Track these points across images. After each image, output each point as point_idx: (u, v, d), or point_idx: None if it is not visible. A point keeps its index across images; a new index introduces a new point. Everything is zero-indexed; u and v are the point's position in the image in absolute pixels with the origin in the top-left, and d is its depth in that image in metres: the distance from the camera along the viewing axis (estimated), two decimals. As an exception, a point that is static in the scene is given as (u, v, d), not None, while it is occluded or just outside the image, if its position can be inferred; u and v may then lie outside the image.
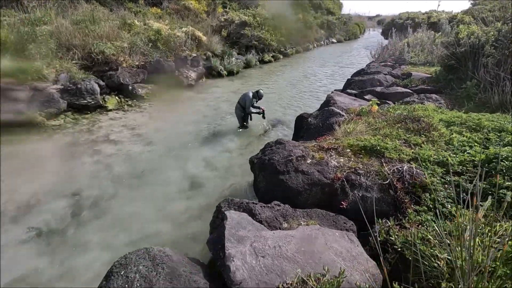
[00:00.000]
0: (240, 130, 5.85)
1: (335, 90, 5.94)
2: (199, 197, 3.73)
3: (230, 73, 10.68)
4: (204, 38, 10.38)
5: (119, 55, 7.36)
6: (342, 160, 2.62)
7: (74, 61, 6.73)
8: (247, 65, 12.20)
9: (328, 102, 4.41)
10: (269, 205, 2.08)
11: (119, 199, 3.69)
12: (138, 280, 1.21)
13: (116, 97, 7.04)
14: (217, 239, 1.59)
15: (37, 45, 6.49)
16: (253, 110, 5.68)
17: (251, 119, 5.95)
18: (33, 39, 6.54)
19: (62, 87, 6.10)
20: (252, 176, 3.06)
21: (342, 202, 2.31)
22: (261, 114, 5.71)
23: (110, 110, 6.64)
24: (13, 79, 5.47)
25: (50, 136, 5.32)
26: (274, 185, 2.43)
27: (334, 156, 2.68)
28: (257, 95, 5.61)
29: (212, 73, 10.20)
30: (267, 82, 10.06)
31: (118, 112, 6.64)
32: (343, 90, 5.81)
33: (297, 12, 18.25)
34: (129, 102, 7.16)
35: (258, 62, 13.06)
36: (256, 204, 2.04)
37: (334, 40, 24.90)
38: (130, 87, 7.29)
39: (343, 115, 3.59)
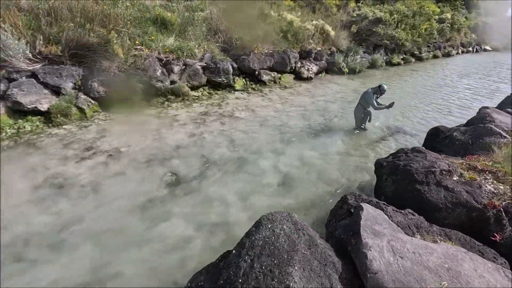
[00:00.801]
0: (357, 131, 5.56)
1: (491, 107, 4.87)
2: (286, 196, 3.59)
3: (352, 71, 10.20)
4: (332, 33, 10.20)
5: (254, 42, 8.04)
6: (501, 187, 2.14)
7: (217, 44, 7.76)
8: (372, 65, 11.38)
9: (483, 118, 3.67)
10: (402, 211, 1.91)
11: (213, 179, 4.10)
12: (283, 236, 1.33)
13: (243, 80, 7.78)
14: (349, 226, 1.57)
15: (194, 28, 7.77)
16: (378, 106, 5.21)
17: (369, 121, 5.56)
18: (191, 23, 7.87)
19: (205, 64, 7.14)
20: (362, 178, 2.86)
21: (495, 234, 1.91)
22: (389, 108, 5.14)
23: (237, 90, 7.41)
24: (174, 54, 6.75)
25: (191, 104, 6.36)
26: (407, 192, 2.22)
27: (490, 180, 2.22)
28: (379, 90, 5.12)
29: (332, 69, 9.98)
30: (391, 86, 9.15)
31: (243, 93, 7.34)
32: (501, 108, 4.71)
33: (446, 11, 15.68)
34: (253, 86, 7.81)
35: (384, 63, 11.99)
36: (388, 206, 1.91)
37: (488, 48, 20.33)
38: (257, 72, 7.92)
39: (505, 137, 2.92)
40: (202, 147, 4.62)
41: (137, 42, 6.33)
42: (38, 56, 5.09)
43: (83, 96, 5.22)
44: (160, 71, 6.12)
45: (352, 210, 1.78)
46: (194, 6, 9.07)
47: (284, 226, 1.35)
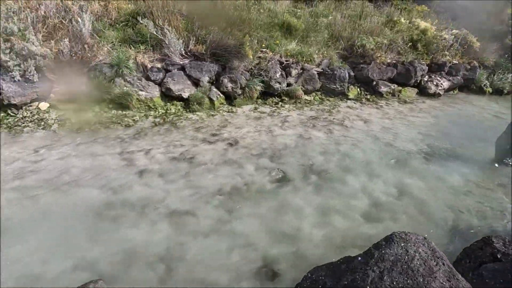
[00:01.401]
0: (496, 165, 4.57)
1: None
2: (372, 223, 3.23)
3: (497, 92, 8.38)
4: (477, 44, 8.60)
5: (376, 50, 7.60)
6: None
7: (337, 51, 7.69)
8: (529, 87, 9.04)
9: None
10: None
11: (302, 184, 4.02)
12: (418, 259, 1.27)
13: (358, 89, 7.48)
14: (502, 274, 1.36)
15: (316, 34, 7.94)
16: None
17: (517, 156, 4.48)
18: (314, 29, 8.06)
19: (322, 70, 7.20)
20: (481, 226, 2.32)
21: None
22: None
23: (350, 99, 7.18)
24: (294, 58, 7.07)
25: (302, 107, 6.55)
26: None
27: None
28: None
29: (470, 87, 8.45)
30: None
31: (356, 103, 7.07)
32: None
33: None
34: (368, 96, 7.41)
35: (549, 86, 9.32)
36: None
37: None
38: (374, 83, 7.47)
39: None
40: (306, 150, 4.72)
41: (263, 45, 6.93)
42: (188, 53, 6.22)
43: (214, 89, 6.09)
44: (279, 73, 6.53)
45: (499, 256, 1.51)
46: (319, 12, 9.23)
47: (420, 250, 1.28)
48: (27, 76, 5.04)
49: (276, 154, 4.57)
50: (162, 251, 2.74)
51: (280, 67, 6.68)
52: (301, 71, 7.01)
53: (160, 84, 5.93)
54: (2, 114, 4.98)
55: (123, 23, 6.51)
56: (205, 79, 6.07)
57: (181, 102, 5.96)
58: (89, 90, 5.41)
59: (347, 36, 7.92)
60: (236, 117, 5.78)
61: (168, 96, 5.93)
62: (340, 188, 3.81)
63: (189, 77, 6.06)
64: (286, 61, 6.87)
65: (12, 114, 5.02)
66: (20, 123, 4.87)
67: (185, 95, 5.88)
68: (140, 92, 5.66)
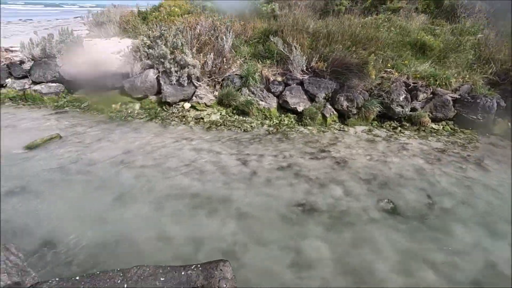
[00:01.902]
0: None
1: None
2: None
3: None
4: None
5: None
6: None
7: (484, 75, 6.43)
8: None
9: None
10: None
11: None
12: None
13: (510, 123, 6.00)
14: None
15: (457, 54, 6.86)
16: None
17: None
18: (456, 49, 6.97)
19: (459, 97, 6.15)
20: None
21: None
22: None
23: (495, 134, 5.85)
24: (424, 81, 6.31)
25: (426, 136, 5.76)
26: None
27: None
28: None
29: None
30: None
31: (503, 140, 5.70)
32: None
33: None
34: (523, 134, 5.85)
35: None
36: None
37: None
38: (536, 118, 5.84)
39: None
40: (425, 186, 4.13)
41: (388, 65, 6.49)
42: (309, 69, 6.46)
43: (329, 106, 6.10)
44: (403, 96, 5.97)
45: None
46: (464, 30, 7.95)
47: None
48: (180, 81, 6.35)
49: (388, 182, 4.20)
50: (224, 245, 2.98)
51: (405, 90, 6.10)
52: (431, 95, 6.19)
53: (278, 96, 6.38)
54: (158, 109, 6.44)
55: (255, 40, 7.36)
56: (321, 95, 6.16)
57: (295, 115, 6.23)
58: (220, 96, 6.35)
59: (503, 58, 6.50)
60: (347, 137, 5.61)
61: (283, 108, 6.31)
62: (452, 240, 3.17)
63: (306, 92, 6.28)
64: (414, 83, 6.21)
65: (165, 109, 6.41)
66: (169, 118, 6.16)
67: (300, 108, 6.12)
68: (260, 102, 6.24)
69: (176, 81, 6.34)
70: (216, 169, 4.39)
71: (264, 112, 6.26)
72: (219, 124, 5.93)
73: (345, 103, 5.97)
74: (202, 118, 6.10)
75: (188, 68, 6.30)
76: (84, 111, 6.45)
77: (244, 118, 6.14)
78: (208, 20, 7.37)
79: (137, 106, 6.53)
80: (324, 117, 6.04)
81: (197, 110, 6.30)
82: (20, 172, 4.13)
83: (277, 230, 3.26)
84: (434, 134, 5.83)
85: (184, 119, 6.09)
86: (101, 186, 3.91)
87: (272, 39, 6.70)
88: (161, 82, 6.38)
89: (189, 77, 6.37)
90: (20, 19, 21.71)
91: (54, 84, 6.89)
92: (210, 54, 6.49)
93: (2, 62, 7.22)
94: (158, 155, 4.73)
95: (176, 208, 3.53)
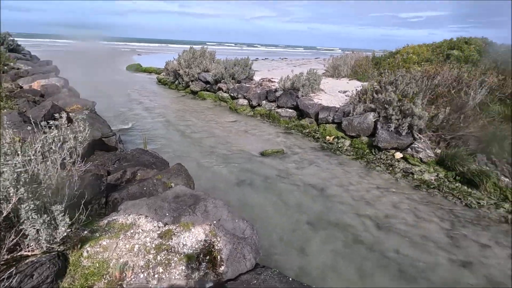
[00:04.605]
0: None
1: None
2: None
3: None
4: None
5: None
6: None
7: None
8: None
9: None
10: None
11: None
12: None
13: None
14: None
15: None
16: None
17: None
18: None
19: None
20: None
21: None
22: None
23: None
24: None
25: None
26: None
27: None
28: None
29: None
30: None
31: None
32: None
33: None
34: None
35: None
36: None
37: None
38: None
39: None
40: None
41: None
42: None
43: None
44: None
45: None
46: None
47: None
48: (399, 129, 6.10)
49: None
50: None
51: None
52: None
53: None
54: (367, 151, 6.50)
55: (517, 100, 5.76)
56: None
57: None
58: (443, 155, 5.49)
59: None
60: None
61: None
62: None
63: None
64: None
65: (373, 153, 6.38)
66: (375, 162, 6.08)
67: None
68: (502, 178, 4.81)
69: (394, 128, 6.16)
70: (420, 239, 3.84)
71: (504, 191, 4.75)
72: (431, 186, 5.14)
73: None
74: (412, 174, 5.53)
75: (412, 118, 5.95)
76: (304, 136, 7.68)
77: (470, 190, 4.96)
78: (452, 71, 6.61)
79: (347, 142, 6.95)
80: None
81: (409, 163, 5.79)
82: (254, 170, 5.56)
83: None
84: None
85: (390, 168, 5.79)
86: (298, 204, 4.50)
87: (549, 102, 4.98)
88: (378, 126, 6.42)
89: (410, 127, 5.99)
90: (280, 57, 29.14)
91: (290, 110, 8.71)
92: (445, 108, 5.77)
93: (264, 88, 10.02)
94: (354, 195, 4.80)
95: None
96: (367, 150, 6.54)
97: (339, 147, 6.85)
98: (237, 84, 10.85)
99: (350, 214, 4.27)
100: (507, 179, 4.80)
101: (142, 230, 2.02)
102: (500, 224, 4.19)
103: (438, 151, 5.71)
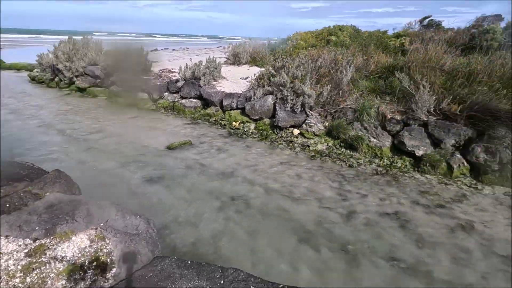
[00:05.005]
0: None
1: None
2: None
3: None
4: None
5: None
6: None
7: None
8: None
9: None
10: None
11: None
12: None
13: None
14: None
15: None
16: None
17: None
18: None
19: None
20: None
21: None
22: None
23: None
24: None
25: None
26: None
27: None
28: None
29: None
30: None
31: None
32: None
33: None
34: None
35: None
36: None
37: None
38: None
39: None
40: None
41: (559, 117, 5.01)
42: (436, 112, 5.72)
43: (458, 156, 5.18)
44: None
45: None
46: None
47: None
48: (294, 108, 6.74)
49: (537, 270, 3.17)
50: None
51: None
52: None
53: (394, 135, 5.88)
54: (270, 131, 6.98)
55: (377, 75, 7.10)
56: (449, 141, 5.31)
57: (411, 159, 5.57)
58: (330, 127, 6.36)
59: None
60: (480, 197, 4.58)
61: (398, 149, 5.75)
62: None
63: (430, 135, 5.54)
64: None
65: (275, 132, 6.90)
66: (278, 141, 6.59)
67: (419, 153, 5.44)
68: (372, 139, 5.90)
69: (290, 108, 6.77)
70: (314, 199, 4.38)
71: (374, 150, 5.86)
72: (324, 155, 5.92)
73: (482, 155, 4.93)
74: (308, 146, 6.24)
75: (303, 97, 6.64)
76: (211, 125, 7.67)
77: (351, 153, 5.93)
78: (330, 54, 7.63)
79: (252, 126, 7.29)
80: (449, 167, 5.15)
81: (305, 137, 6.50)
82: (159, 166, 5.26)
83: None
84: None
85: (291, 144, 6.38)
86: (210, 190, 4.53)
87: (397, 75, 6.31)
88: (277, 107, 6.94)
89: (302, 105, 6.69)
90: (180, 47, 27.94)
91: (194, 100, 8.52)
92: (327, 86, 6.65)
93: (165, 80, 9.48)
94: (261, 173, 5.11)
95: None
96: (270, 131, 7.01)
97: (245, 131, 7.13)
98: (134, 77, 9.92)
99: (258, 189, 4.54)
100: (375, 140, 5.92)
101: (0, 253, 1.64)
102: (373, 176, 5.18)
103: (326, 124, 6.58)
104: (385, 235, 3.65)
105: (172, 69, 10.73)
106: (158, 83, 9.29)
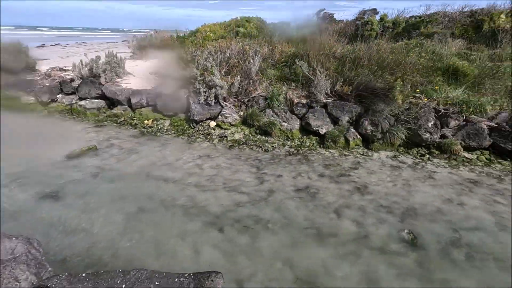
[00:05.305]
0: None
1: None
2: None
3: None
4: None
5: None
6: None
7: (526, 103, 5.99)
8: None
9: None
10: None
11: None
12: None
13: (556, 157, 5.47)
14: None
15: (495, 81, 6.51)
16: None
17: None
18: (493, 75, 6.63)
19: (496, 125, 5.77)
20: None
21: None
22: None
23: (538, 167, 5.35)
24: (456, 108, 6.03)
25: (457, 165, 5.43)
26: None
27: None
28: None
29: None
30: None
31: (548, 175, 5.18)
32: None
33: None
34: None
35: None
36: None
37: None
38: None
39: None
40: (453, 219, 3.85)
41: (417, 91, 6.32)
42: (333, 93, 6.50)
43: (352, 130, 6.03)
44: (432, 122, 5.74)
45: None
46: (504, 55, 7.57)
47: None
48: (208, 101, 6.69)
49: (410, 212, 3.99)
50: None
51: (434, 116, 5.86)
52: (464, 123, 5.87)
53: (301, 118, 6.46)
54: (186, 126, 6.79)
55: (282, 64, 7.61)
56: (345, 118, 6.13)
57: (317, 137, 6.23)
58: (245, 116, 6.57)
59: (547, 86, 6.05)
60: (371, 162, 5.47)
61: (306, 130, 6.35)
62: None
63: (330, 115, 6.29)
64: (445, 109, 5.96)
65: (191, 127, 6.75)
66: (195, 135, 6.47)
67: (322, 131, 6.12)
68: (283, 123, 6.35)
69: (204, 100, 6.70)
70: (233, 185, 4.49)
71: (286, 133, 6.34)
72: (241, 143, 6.10)
73: (369, 127, 5.86)
74: (226, 137, 6.33)
75: (215, 88, 6.65)
76: (119, 126, 7.01)
77: (266, 138, 6.27)
78: (238, 44, 7.80)
79: (167, 122, 6.96)
80: (347, 140, 5.97)
81: (222, 128, 6.55)
82: (56, 179, 4.56)
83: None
84: (467, 164, 5.47)
85: (209, 137, 6.35)
86: (123, 196, 4.18)
87: (298, 63, 6.89)
88: (190, 101, 6.78)
89: (216, 97, 6.70)
90: (76, 42, 24.38)
91: (96, 100, 7.61)
92: (238, 76, 6.81)
93: (56, 79, 8.17)
94: (179, 170, 4.96)
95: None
96: (187, 126, 6.82)
97: (160, 129, 6.76)
98: (13, 78, 8.22)
99: (177, 188, 4.40)
100: (286, 124, 6.39)
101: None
102: (286, 157, 5.61)
103: (241, 113, 6.77)
104: (301, 207, 4.02)
105: (65, 67, 9.30)
106: (48, 84, 7.94)
